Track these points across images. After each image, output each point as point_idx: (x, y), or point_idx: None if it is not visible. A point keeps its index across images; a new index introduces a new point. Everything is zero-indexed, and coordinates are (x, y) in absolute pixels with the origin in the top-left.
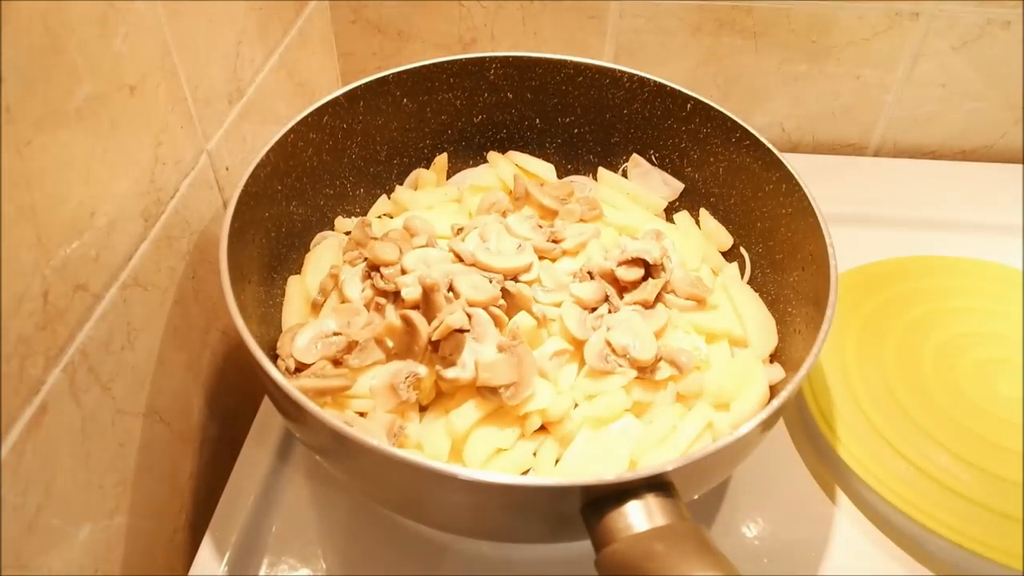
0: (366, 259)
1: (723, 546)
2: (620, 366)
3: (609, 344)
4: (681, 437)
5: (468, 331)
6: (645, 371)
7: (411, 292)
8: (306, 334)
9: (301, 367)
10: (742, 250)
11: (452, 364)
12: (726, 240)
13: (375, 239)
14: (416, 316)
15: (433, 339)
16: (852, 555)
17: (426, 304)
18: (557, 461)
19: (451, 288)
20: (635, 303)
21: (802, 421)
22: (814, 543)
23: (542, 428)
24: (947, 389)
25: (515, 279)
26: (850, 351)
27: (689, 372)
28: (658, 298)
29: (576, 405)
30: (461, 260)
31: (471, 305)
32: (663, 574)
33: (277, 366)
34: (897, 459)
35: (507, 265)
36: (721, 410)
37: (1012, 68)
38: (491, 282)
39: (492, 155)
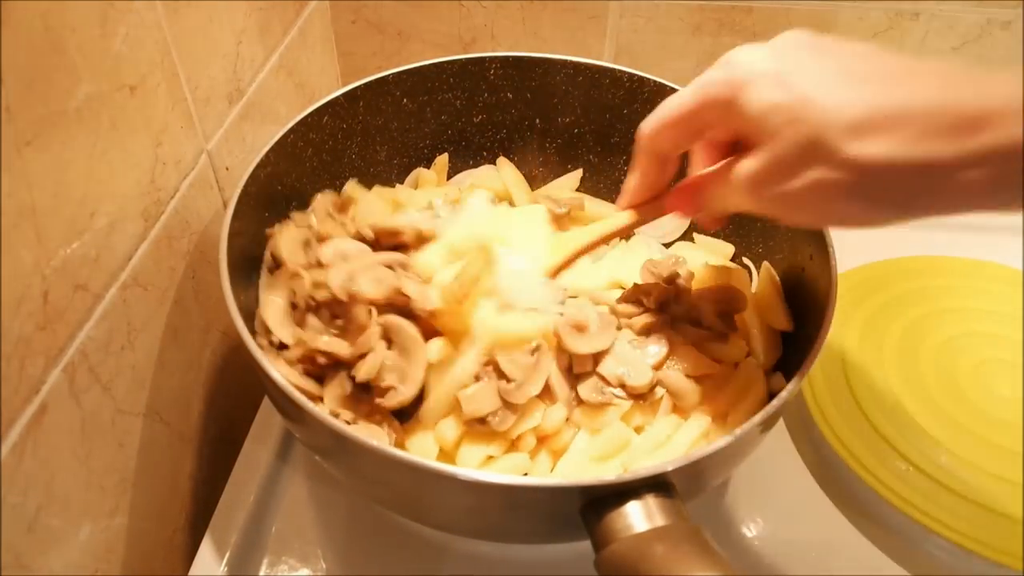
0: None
1: (723, 546)
2: (616, 396)
3: (601, 376)
4: (677, 444)
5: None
6: (641, 397)
7: (324, 293)
8: (274, 314)
9: (285, 345)
10: (745, 260)
11: (388, 390)
12: (727, 250)
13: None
14: (337, 346)
15: (359, 381)
16: (852, 555)
17: (346, 314)
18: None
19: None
20: (633, 328)
21: (802, 421)
22: (814, 543)
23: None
24: (947, 389)
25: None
26: (850, 351)
27: (687, 395)
28: (667, 326)
29: (567, 419)
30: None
31: (372, 303)
32: (663, 575)
33: (258, 343)
34: (897, 459)
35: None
36: (718, 420)
37: (1012, 68)
38: (394, 269)
39: (501, 160)
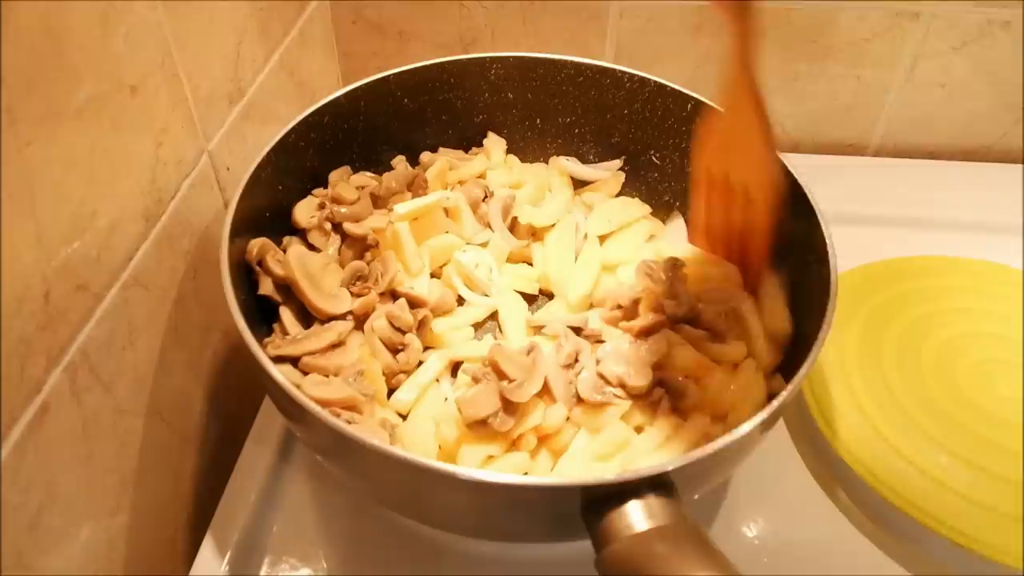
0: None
1: (723, 546)
2: (616, 396)
3: (602, 375)
4: (677, 444)
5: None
6: (641, 397)
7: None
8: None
9: (296, 359)
10: None
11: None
12: None
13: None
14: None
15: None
16: (852, 555)
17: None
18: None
19: None
20: (632, 331)
21: (802, 421)
22: (814, 543)
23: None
24: (947, 389)
25: None
26: (850, 351)
27: (687, 395)
28: (667, 326)
29: (568, 418)
30: None
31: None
32: (663, 574)
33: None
34: (897, 459)
35: None
36: (718, 420)
37: (1012, 68)
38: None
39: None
